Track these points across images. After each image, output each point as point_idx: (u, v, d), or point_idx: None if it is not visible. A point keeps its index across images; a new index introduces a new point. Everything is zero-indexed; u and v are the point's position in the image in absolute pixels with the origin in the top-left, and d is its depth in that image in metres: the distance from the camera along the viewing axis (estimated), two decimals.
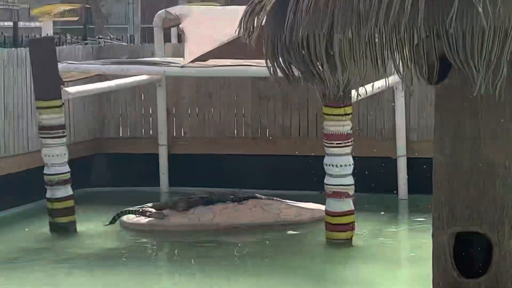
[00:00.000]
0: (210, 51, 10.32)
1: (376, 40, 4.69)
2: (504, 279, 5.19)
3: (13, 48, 11.70)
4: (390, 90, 11.36)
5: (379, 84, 8.80)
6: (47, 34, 19.48)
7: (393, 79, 8.58)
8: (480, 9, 4.43)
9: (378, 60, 4.76)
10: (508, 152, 5.12)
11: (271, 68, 5.15)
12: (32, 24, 39.94)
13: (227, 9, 13.81)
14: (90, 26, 43.53)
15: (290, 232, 9.89)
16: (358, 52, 4.75)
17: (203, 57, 10.23)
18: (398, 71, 4.86)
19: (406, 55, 4.76)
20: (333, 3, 4.69)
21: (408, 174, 11.51)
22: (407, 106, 11.60)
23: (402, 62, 4.79)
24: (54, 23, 40.71)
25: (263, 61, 5.17)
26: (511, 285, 5.24)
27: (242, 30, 5.16)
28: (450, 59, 4.65)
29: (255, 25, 5.07)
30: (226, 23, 10.31)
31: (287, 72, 5.17)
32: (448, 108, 5.15)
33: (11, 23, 30.98)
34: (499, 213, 5.13)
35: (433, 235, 5.34)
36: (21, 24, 38.26)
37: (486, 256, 5.20)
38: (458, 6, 4.45)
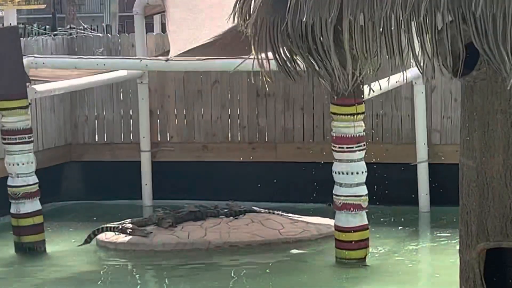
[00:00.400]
0: (199, 46, 10.32)
1: (392, 26, 4.70)
2: None
3: None
4: (408, 86, 11.36)
5: (396, 78, 8.78)
6: (10, 24, 19.48)
7: (412, 72, 8.57)
8: None
9: (395, 50, 4.77)
10: None
11: (267, 61, 5.14)
12: None
13: None
14: (60, 15, 43.62)
15: (294, 251, 9.88)
16: (372, 40, 4.76)
17: (191, 51, 10.23)
18: (417, 62, 4.86)
19: (427, 44, 4.76)
20: None
21: (430, 183, 11.51)
22: (428, 104, 11.61)
23: (422, 51, 4.80)
24: (18, 11, 40.79)
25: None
26: None
27: (236, 15, 5.17)
28: (478, 47, 4.66)
29: (251, 9, 5.08)
30: (220, 9, 10.33)
31: (288, 64, 5.17)
32: (476, 105, 5.16)
33: None
34: None
35: (460, 252, 5.35)
36: None
37: None
38: None
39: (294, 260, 9.68)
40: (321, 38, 4.86)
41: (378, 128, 11.86)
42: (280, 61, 5.17)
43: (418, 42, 4.78)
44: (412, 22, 4.66)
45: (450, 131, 11.68)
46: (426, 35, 4.73)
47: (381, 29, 4.71)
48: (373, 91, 6.35)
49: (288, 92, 12.07)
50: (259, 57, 5.10)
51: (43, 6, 44.79)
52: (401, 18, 4.63)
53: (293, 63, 5.17)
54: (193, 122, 12.55)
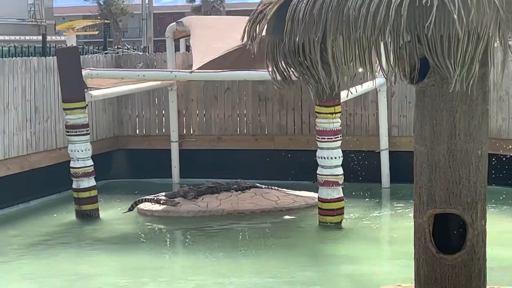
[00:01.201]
0: (214, 60, 10.30)
1: (364, 44, 4.69)
2: (477, 254, 5.20)
3: (42, 57, 11.64)
4: (374, 92, 11.34)
5: (365, 85, 8.79)
6: (72, 45, 19.46)
7: (377, 81, 8.55)
8: (455, 16, 4.44)
9: (366, 62, 4.76)
10: (479, 143, 5.13)
11: (271, 71, 5.14)
12: (58, 38, 39.92)
13: (231, 18, 13.80)
14: (109, 39, 43.53)
15: (286, 216, 9.87)
16: (348, 55, 4.75)
17: (208, 66, 10.21)
18: (383, 71, 4.85)
19: (391, 57, 4.75)
20: (325, 12, 4.70)
21: (390, 166, 11.49)
22: (389, 106, 11.58)
23: (387, 63, 4.79)
24: (77, 37, 40.71)
25: (262, 68, 5.16)
26: (483, 259, 5.25)
27: (246, 37, 5.16)
28: (430, 60, 4.66)
29: (257, 32, 5.07)
30: (230, 32, 10.31)
31: (285, 74, 5.16)
32: (427, 105, 5.14)
33: (39, 37, 30.92)
34: (472, 196, 5.14)
35: (414, 217, 5.33)
36: (48, 37, 38.21)
37: (461, 234, 5.20)
38: (436, 13, 4.46)
39: (287, 224, 9.66)
40: (310, 54, 4.85)
41: (351, 123, 11.83)
42: (279, 72, 5.16)
43: (384, 56, 4.77)
44: (379, 41, 4.65)
45: (405, 126, 11.65)
46: (390, 51, 4.73)
47: (356, 47, 4.70)
48: (350, 93, 6.33)
49: (282, 96, 12.04)
50: (268, 68, 5.10)
51: (96, 33, 44.72)
52: (371, 38, 4.62)
53: (289, 74, 5.16)
54: (211, 119, 12.51)
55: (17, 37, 39.39)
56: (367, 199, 10.82)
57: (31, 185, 10.83)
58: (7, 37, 38.53)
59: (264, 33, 5.05)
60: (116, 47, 16.15)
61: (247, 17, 5.29)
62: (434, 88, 5.07)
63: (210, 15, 53.21)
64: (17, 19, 43.87)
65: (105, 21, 43.55)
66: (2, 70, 10.39)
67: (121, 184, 12.34)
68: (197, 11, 54.35)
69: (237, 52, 10.14)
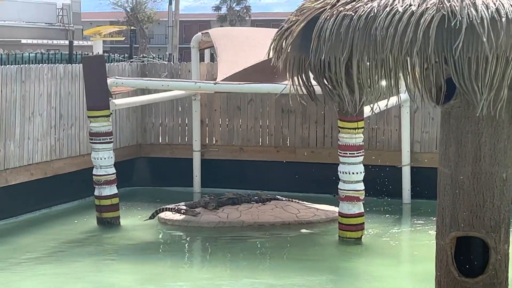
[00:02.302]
0: (239, 72, 10.25)
1: (390, 64, 4.61)
2: (499, 279, 5.10)
3: (68, 64, 11.64)
4: (397, 107, 11.24)
5: (390, 101, 8.71)
6: (98, 52, 19.51)
7: (401, 97, 8.46)
8: (484, 39, 4.35)
9: (392, 82, 4.68)
10: (504, 166, 5.03)
11: (296, 86, 5.08)
12: (85, 43, 40.13)
13: (256, 30, 13.74)
14: (135, 46, 43.71)
15: (306, 230, 9.78)
16: (374, 75, 4.68)
17: (232, 78, 10.16)
18: (409, 93, 4.77)
19: (417, 78, 4.67)
20: (352, 31, 4.63)
21: (411, 181, 11.37)
22: (412, 121, 11.47)
23: (413, 84, 4.71)
24: (104, 42, 40.90)
25: (285, 80, 5.11)
26: (505, 283, 5.14)
27: (272, 52, 5.10)
28: (456, 82, 4.57)
29: (283, 49, 5.01)
30: (255, 45, 10.25)
31: (310, 90, 5.10)
32: (452, 126, 5.06)
33: (66, 41, 31.07)
34: (496, 220, 5.04)
35: (436, 239, 5.24)
36: (75, 42, 38.46)
37: (484, 258, 5.10)
38: (464, 35, 4.37)
39: (306, 237, 9.57)
40: (335, 72, 4.78)
41: (373, 138, 11.73)
42: (304, 88, 5.10)
43: (410, 77, 4.69)
44: (406, 62, 4.57)
45: (427, 142, 11.53)
46: (416, 72, 4.65)
47: (382, 67, 4.63)
48: (374, 112, 6.25)
49: (305, 109, 11.97)
50: (293, 83, 5.04)
51: (122, 39, 44.87)
52: (398, 58, 4.54)
53: (313, 90, 5.10)
54: (233, 130, 12.46)
55: (45, 41, 39.68)
56: (387, 215, 10.71)
57: (53, 191, 10.83)
58: (35, 41, 38.80)
59: (289, 49, 4.98)
60: (141, 55, 16.16)
61: (272, 29, 5.24)
62: (460, 109, 4.98)
63: (236, 24, 53.31)
64: (46, 23, 44.19)
65: (132, 27, 43.72)
66: (29, 77, 10.40)
67: (143, 191, 12.31)
68: (222, 20, 54.46)
69: (261, 64, 10.08)
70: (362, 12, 4.63)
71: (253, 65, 10.40)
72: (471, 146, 4.99)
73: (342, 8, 4.71)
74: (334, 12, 4.72)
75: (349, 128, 8.97)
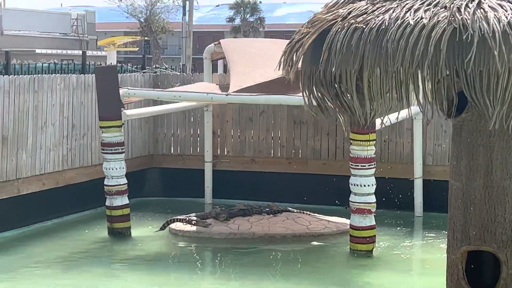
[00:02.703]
0: (251, 86, 10.25)
1: (401, 77, 4.59)
2: None
3: (81, 74, 11.68)
4: (409, 119, 11.19)
5: (401, 114, 8.64)
6: (111, 63, 19.57)
7: (413, 109, 8.40)
8: (496, 53, 4.32)
9: (403, 95, 4.65)
10: None
11: (307, 99, 5.06)
12: (99, 53, 40.28)
13: (267, 41, 13.74)
14: (148, 56, 43.83)
15: (318, 242, 9.74)
16: (385, 87, 4.65)
17: (244, 89, 10.15)
18: (420, 105, 4.74)
19: (428, 91, 4.64)
20: (363, 44, 4.61)
21: (423, 194, 11.31)
22: (424, 134, 11.42)
23: (424, 97, 4.68)
24: (117, 52, 41.03)
25: (297, 92, 5.09)
26: None
27: (282, 65, 5.08)
28: (468, 95, 4.54)
29: (294, 61, 4.99)
30: (267, 57, 10.24)
31: (320, 102, 5.08)
32: (464, 139, 5.02)
33: (81, 52, 31.17)
34: (507, 234, 4.99)
35: (447, 252, 5.19)
36: (89, 52, 38.60)
37: (495, 272, 5.05)
38: (476, 49, 4.34)
39: (318, 250, 9.54)
40: (346, 85, 4.75)
41: (385, 151, 11.68)
42: (314, 100, 5.07)
43: (421, 90, 4.66)
44: (417, 75, 4.55)
45: (440, 155, 11.48)
46: (428, 84, 4.62)
47: (393, 79, 4.60)
48: (384, 125, 6.23)
49: (317, 121, 11.95)
50: (304, 95, 5.02)
51: (136, 49, 45.00)
52: (409, 71, 4.51)
53: (323, 102, 5.07)
54: (245, 141, 12.44)
55: (60, 51, 39.84)
56: (399, 228, 10.65)
57: (65, 200, 10.84)
58: (49, 51, 38.97)
59: (300, 62, 4.96)
60: (154, 66, 16.17)
61: (284, 41, 5.22)
62: (472, 123, 4.94)
63: (249, 35, 53.37)
64: (60, 33, 44.39)
65: (145, 38, 43.86)
66: (42, 87, 10.44)
67: (154, 202, 12.30)
68: (236, 31, 54.54)
69: (273, 76, 10.06)
70: (373, 24, 4.61)
71: (266, 75, 10.39)
72: (482, 160, 4.95)
73: (353, 21, 4.69)
74: (345, 25, 4.71)
75: (360, 140, 8.95)
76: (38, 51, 38.16)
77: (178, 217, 10.24)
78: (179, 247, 9.77)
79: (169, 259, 9.24)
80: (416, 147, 11.31)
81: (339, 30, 4.71)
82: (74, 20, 45.86)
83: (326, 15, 4.87)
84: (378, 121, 8.74)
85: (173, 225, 10.17)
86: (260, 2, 57.15)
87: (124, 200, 9.98)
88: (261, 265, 8.88)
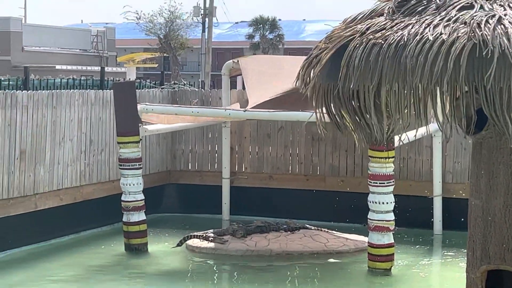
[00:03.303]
0: (269, 100, 10.22)
1: (420, 93, 4.54)
2: None
3: (99, 90, 11.70)
4: (428, 136, 11.12)
5: (420, 131, 8.57)
6: (129, 79, 19.63)
7: (432, 126, 8.34)
8: None
9: (421, 111, 4.60)
10: None
11: (322, 115, 5.00)
12: (118, 70, 40.47)
13: (286, 58, 13.73)
14: (168, 72, 43.97)
15: (335, 260, 9.66)
16: (403, 104, 4.60)
17: (262, 105, 10.13)
18: (438, 123, 4.68)
19: (447, 108, 4.58)
20: (382, 60, 4.56)
21: (443, 212, 11.21)
22: (444, 151, 11.33)
23: (443, 114, 4.62)
24: (137, 68, 41.19)
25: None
26: None
27: (299, 81, 5.04)
28: (487, 113, 4.47)
29: (311, 76, 4.95)
30: (284, 73, 10.22)
31: (337, 118, 5.03)
32: (484, 157, 4.95)
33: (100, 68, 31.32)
34: None
35: (467, 272, 5.11)
36: (109, 69, 38.81)
37: None
38: (496, 65, 4.28)
39: (336, 267, 9.46)
40: (364, 101, 4.71)
41: (404, 168, 11.61)
42: (331, 116, 5.02)
43: (440, 106, 4.61)
44: (436, 91, 4.49)
45: (459, 172, 11.38)
46: (446, 101, 4.56)
47: (411, 95, 4.55)
48: (403, 142, 6.17)
49: (335, 138, 11.89)
50: (317, 112, 4.97)
51: (156, 65, 45.18)
52: (427, 87, 4.46)
53: (341, 118, 5.02)
54: (263, 157, 12.41)
55: (79, 67, 40.08)
56: (417, 246, 10.55)
57: (82, 216, 10.83)
58: (69, 67, 39.22)
59: (318, 77, 4.92)
60: (173, 82, 16.20)
61: (301, 57, 5.19)
62: (492, 140, 4.88)
63: (268, 52, 53.42)
64: (80, 50, 44.67)
65: (164, 54, 43.99)
66: (60, 102, 10.46)
67: (172, 218, 12.28)
68: (255, 48, 54.62)
69: (291, 92, 10.04)
70: (392, 40, 4.56)
71: (283, 91, 10.37)
72: (503, 178, 4.88)
73: (371, 36, 4.65)
74: (364, 40, 4.67)
75: (379, 158, 8.88)
76: (58, 67, 38.41)
77: (195, 233, 10.20)
78: (195, 263, 9.73)
79: (186, 276, 9.20)
80: (435, 165, 11.22)
81: (357, 45, 4.67)
82: (94, 36, 46.16)
83: (344, 31, 4.83)
84: (397, 138, 8.68)
85: (190, 242, 10.13)
86: (280, 19, 57.25)
87: (141, 216, 9.96)
88: (278, 282, 8.82)
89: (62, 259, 9.71)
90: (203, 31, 43.05)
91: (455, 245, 10.33)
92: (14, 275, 8.89)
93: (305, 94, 5.06)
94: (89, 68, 39.60)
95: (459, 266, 9.01)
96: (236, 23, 63.23)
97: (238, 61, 11.60)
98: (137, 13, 43.92)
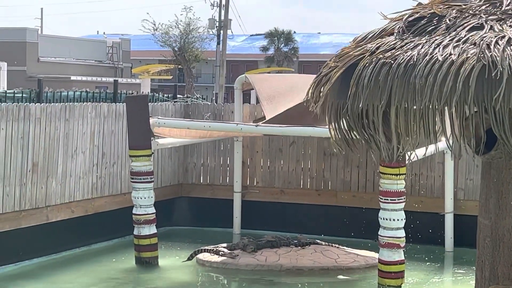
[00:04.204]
0: (281, 115, 10.23)
1: (429, 113, 4.53)
2: None
3: (112, 103, 11.75)
4: (440, 153, 11.09)
5: (431, 149, 8.57)
6: (142, 92, 19.69)
7: (444, 143, 8.33)
8: None
9: (430, 131, 4.60)
10: None
11: (333, 132, 5.02)
12: (133, 81, 40.62)
13: (296, 76, 13.75)
14: (182, 84, 44.12)
15: (346, 276, 9.63)
16: (412, 123, 4.60)
17: (274, 121, 10.14)
18: (447, 142, 4.68)
19: (456, 128, 4.58)
20: (391, 79, 4.56)
21: (454, 229, 11.16)
22: (456, 168, 11.29)
23: (452, 134, 4.62)
24: (152, 80, 41.32)
25: (326, 124, 5.06)
26: None
27: (310, 97, 5.06)
28: (496, 133, 4.47)
29: (321, 94, 4.96)
30: (295, 90, 10.24)
31: (347, 136, 5.04)
32: (493, 177, 4.95)
33: (115, 78, 31.45)
34: None
35: None
36: (123, 80, 38.96)
37: None
38: (505, 86, 4.28)
39: (345, 283, 9.43)
40: (373, 119, 4.71)
41: (416, 184, 11.57)
42: (340, 134, 5.03)
43: (449, 126, 4.61)
44: (445, 111, 4.49)
45: (472, 189, 11.33)
46: (456, 121, 4.56)
47: (420, 115, 4.55)
48: (411, 160, 6.16)
49: (347, 153, 11.85)
50: (330, 129, 4.98)
51: (170, 77, 45.26)
52: (436, 107, 4.46)
53: (350, 136, 5.03)
54: (274, 172, 12.41)
55: (94, 78, 40.27)
56: (428, 263, 10.51)
57: (94, 228, 10.86)
58: (84, 78, 39.41)
59: (327, 95, 4.93)
60: (186, 95, 16.23)
61: (311, 76, 5.20)
62: (501, 160, 4.87)
63: (283, 64, 53.48)
64: (95, 61, 44.90)
65: (179, 66, 44.13)
66: (73, 115, 10.52)
67: (183, 231, 12.29)
68: (270, 60, 54.70)
69: (303, 107, 10.05)
70: (401, 60, 4.57)
71: (294, 107, 10.38)
72: None
73: (381, 56, 4.66)
74: (373, 59, 4.68)
75: (390, 174, 8.86)
76: (73, 77, 38.62)
77: (206, 247, 10.20)
78: (206, 278, 9.73)
79: None
80: (447, 181, 11.19)
81: (367, 64, 4.68)
82: (109, 47, 46.39)
83: (354, 50, 4.84)
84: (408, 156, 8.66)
85: (200, 256, 10.13)
86: (294, 32, 57.32)
87: (152, 229, 9.97)
88: None
89: (73, 271, 9.73)
90: (218, 43, 43.18)
91: (466, 263, 10.28)
92: (25, 287, 8.90)
93: (315, 111, 5.07)
94: (104, 79, 39.77)
95: (469, 285, 8.97)
96: (251, 35, 63.37)
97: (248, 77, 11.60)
98: (154, 24, 44.11)
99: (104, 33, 59.78)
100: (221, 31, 43.02)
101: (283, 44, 55.93)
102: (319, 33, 67.78)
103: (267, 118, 10.20)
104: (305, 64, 56.88)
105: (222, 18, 43.25)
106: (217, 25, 43.62)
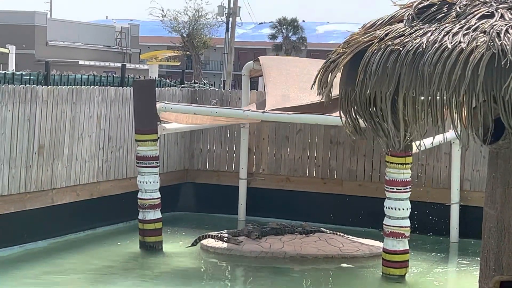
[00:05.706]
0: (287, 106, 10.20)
1: (437, 101, 4.50)
2: None
3: (119, 87, 11.74)
4: (447, 143, 11.05)
5: (438, 138, 8.53)
6: (150, 76, 19.66)
7: (451, 133, 8.30)
8: None
9: (438, 119, 4.56)
10: None
11: (344, 119, 4.99)
12: (141, 66, 40.59)
13: (307, 61, 13.68)
14: (190, 71, 44.06)
15: (350, 265, 9.62)
16: (420, 111, 4.56)
17: (281, 108, 10.10)
18: (456, 131, 4.64)
19: (464, 117, 4.54)
20: (399, 66, 4.52)
21: (460, 220, 11.14)
22: (462, 159, 11.25)
23: (460, 122, 4.58)
24: (160, 66, 41.27)
25: (334, 112, 5.04)
26: None
27: (317, 85, 5.02)
28: (505, 122, 4.43)
29: (328, 81, 4.92)
30: (305, 76, 10.19)
31: (355, 123, 5.00)
32: (500, 167, 4.90)
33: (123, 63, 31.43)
34: None
35: (479, 282, 5.06)
36: (132, 65, 38.94)
37: None
38: None
39: (349, 272, 9.42)
40: (381, 107, 4.67)
41: (422, 174, 11.54)
42: (349, 121, 5.00)
43: (457, 115, 4.57)
44: (453, 100, 4.45)
45: (478, 180, 11.30)
46: (464, 110, 4.52)
47: (428, 103, 4.51)
48: (420, 150, 6.13)
49: (354, 142, 11.85)
50: (341, 117, 4.94)
51: (178, 64, 45.21)
52: (444, 96, 4.42)
53: (358, 123, 4.99)
54: (280, 159, 12.39)
55: (102, 63, 40.27)
56: (433, 253, 10.49)
57: (99, 212, 10.87)
58: (92, 63, 39.40)
59: (334, 82, 4.89)
60: (193, 81, 16.19)
61: (322, 61, 5.16)
62: (509, 150, 4.83)
63: (291, 53, 53.37)
64: (104, 46, 44.87)
65: (187, 53, 44.07)
66: (80, 98, 10.50)
67: (187, 217, 12.29)
68: (278, 49, 54.58)
69: (311, 95, 10.00)
70: (410, 47, 4.52)
71: (303, 94, 10.33)
72: None
73: (390, 42, 4.61)
74: (382, 46, 4.63)
75: (396, 163, 8.84)
76: (81, 62, 38.62)
77: (210, 233, 10.20)
78: (209, 263, 9.73)
79: (199, 276, 9.20)
80: (453, 172, 11.15)
81: (375, 51, 4.63)
82: (118, 33, 46.35)
83: (363, 37, 4.80)
84: (414, 145, 8.64)
85: (204, 241, 10.13)
86: (303, 20, 57.19)
87: (157, 214, 9.97)
88: (291, 285, 8.81)
89: (77, 254, 9.74)
90: (227, 30, 43.08)
91: (471, 254, 10.26)
92: (29, 270, 8.93)
93: (322, 98, 5.03)
94: (112, 64, 39.77)
95: (474, 275, 8.91)
96: (260, 23, 63.25)
97: (258, 61, 11.55)
98: (163, 10, 44.01)
99: (113, 18, 59.74)
100: (230, 18, 42.90)
101: (291, 33, 55.80)
102: (328, 22, 67.60)
103: (269, 107, 10.15)
104: (314, 53, 56.72)
105: (232, 5, 43.11)
106: (226, 12, 43.50)
